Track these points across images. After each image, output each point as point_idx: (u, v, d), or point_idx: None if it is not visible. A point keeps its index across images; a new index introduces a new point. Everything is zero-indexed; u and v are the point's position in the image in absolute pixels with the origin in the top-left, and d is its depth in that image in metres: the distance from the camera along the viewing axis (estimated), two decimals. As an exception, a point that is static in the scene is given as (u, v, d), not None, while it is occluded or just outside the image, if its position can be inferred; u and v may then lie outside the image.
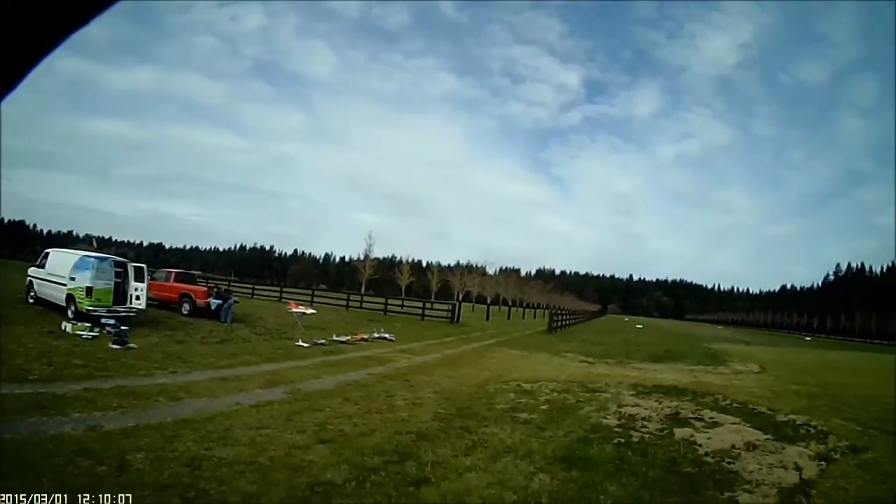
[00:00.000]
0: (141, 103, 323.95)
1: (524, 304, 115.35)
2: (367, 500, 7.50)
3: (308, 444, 9.74)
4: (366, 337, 28.74)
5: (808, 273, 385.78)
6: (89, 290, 22.06)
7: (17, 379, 12.42)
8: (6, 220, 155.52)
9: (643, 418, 13.82)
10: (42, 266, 25.19)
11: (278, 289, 57.79)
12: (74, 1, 1.57)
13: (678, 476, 9.51)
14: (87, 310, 21.72)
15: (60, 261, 24.21)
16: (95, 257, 23.73)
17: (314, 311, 31.60)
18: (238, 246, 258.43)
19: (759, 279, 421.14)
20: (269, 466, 8.39)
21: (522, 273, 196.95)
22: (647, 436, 12.20)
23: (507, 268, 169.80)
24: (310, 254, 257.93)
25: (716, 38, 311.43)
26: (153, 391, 12.78)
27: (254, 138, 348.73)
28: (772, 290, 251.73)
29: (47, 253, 25.87)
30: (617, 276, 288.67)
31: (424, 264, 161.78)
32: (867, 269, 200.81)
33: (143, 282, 24.14)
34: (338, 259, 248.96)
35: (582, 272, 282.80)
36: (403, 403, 14.09)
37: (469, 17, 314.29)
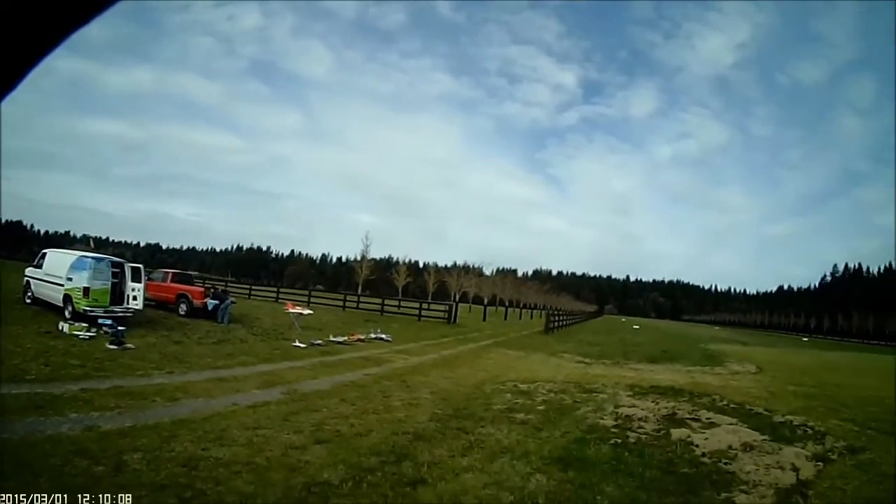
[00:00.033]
0: (138, 103, 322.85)
1: (521, 305, 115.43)
2: (363, 500, 7.50)
3: (305, 445, 9.74)
4: (362, 337, 28.73)
5: (805, 273, 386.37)
6: (86, 291, 22.05)
7: (14, 379, 12.43)
8: (4, 221, 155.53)
9: (640, 419, 13.83)
10: (39, 266, 25.17)
11: (275, 289, 57.62)
12: (74, 1, 1.58)
13: (675, 476, 9.51)
14: (84, 310, 21.73)
15: (57, 261, 24.20)
16: (92, 258, 23.75)
17: (311, 312, 31.71)
18: (235, 246, 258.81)
19: (756, 279, 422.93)
20: (265, 467, 8.39)
21: (519, 274, 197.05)
22: (644, 436, 12.21)
23: (503, 268, 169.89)
24: (306, 254, 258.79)
25: (713, 38, 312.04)
26: (150, 391, 12.79)
27: (251, 138, 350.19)
28: (769, 290, 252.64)
29: (44, 253, 25.88)
30: (614, 276, 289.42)
31: (421, 265, 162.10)
32: (864, 269, 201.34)
33: (139, 282, 24.13)
34: (334, 259, 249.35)
35: (579, 273, 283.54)
36: (400, 404, 14.09)
37: (466, 17, 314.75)
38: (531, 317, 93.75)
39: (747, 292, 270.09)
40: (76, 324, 20.27)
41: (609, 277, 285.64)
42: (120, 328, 19.23)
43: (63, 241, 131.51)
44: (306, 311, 30.36)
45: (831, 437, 12.99)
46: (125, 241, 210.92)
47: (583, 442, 11.36)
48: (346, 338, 27.35)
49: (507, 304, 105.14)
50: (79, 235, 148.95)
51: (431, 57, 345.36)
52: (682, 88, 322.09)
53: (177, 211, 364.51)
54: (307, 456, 9.11)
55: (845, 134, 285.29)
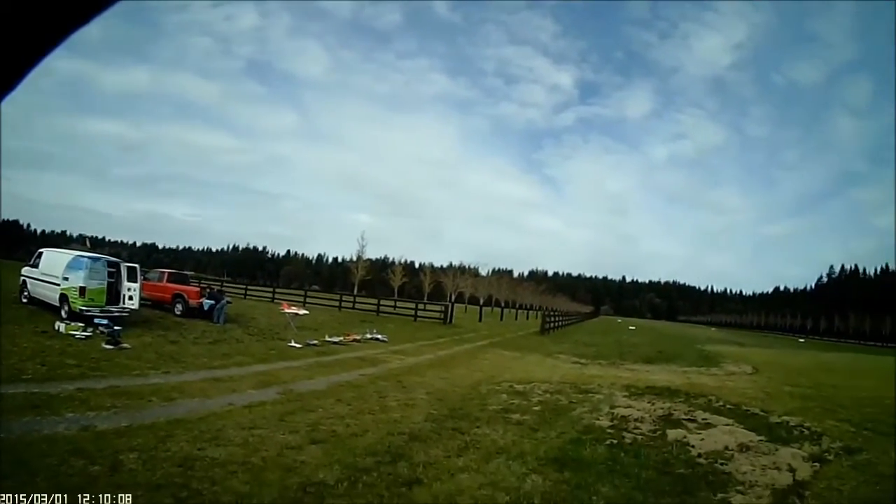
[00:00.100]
0: (136, 103, 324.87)
1: (517, 306, 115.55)
2: (359, 500, 7.50)
3: (300, 445, 9.74)
4: (358, 338, 28.75)
5: (801, 274, 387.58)
6: (82, 290, 22.04)
7: (10, 379, 12.41)
8: (1, 220, 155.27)
9: (636, 419, 13.84)
10: (35, 266, 25.16)
11: (271, 289, 57.60)
12: (74, 1, 1.59)
13: (671, 477, 9.52)
14: (80, 310, 21.71)
15: (54, 261, 24.20)
16: (89, 257, 23.75)
17: (307, 312, 31.72)
18: (231, 246, 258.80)
19: (752, 280, 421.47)
20: (261, 467, 8.39)
21: (515, 274, 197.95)
22: (640, 437, 12.21)
23: (499, 269, 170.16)
24: (302, 254, 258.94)
25: (709, 38, 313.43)
26: (146, 391, 12.79)
27: (248, 139, 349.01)
28: (765, 291, 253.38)
29: (41, 253, 25.85)
30: (610, 277, 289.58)
31: (417, 265, 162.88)
32: (861, 270, 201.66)
33: (135, 282, 24.17)
34: (330, 260, 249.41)
35: (575, 273, 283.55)
36: (396, 404, 14.10)
37: (462, 18, 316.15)
38: (527, 317, 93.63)
39: (743, 293, 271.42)
40: (72, 323, 20.23)
41: (605, 278, 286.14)
42: (116, 328, 19.19)
43: (60, 240, 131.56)
44: (302, 312, 30.36)
45: (828, 437, 13.00)
46: (121, 241, 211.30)
47: (579, 442, 11.37)
48: (341, 338, 27.34)
49: (502, 304, 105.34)
50: (75, 235, 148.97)
51: (428, 57, 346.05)
52: (678, 89, 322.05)
53: (174, 211, 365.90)
54: (303, 456, 9.11)
55: (842, 134, 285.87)
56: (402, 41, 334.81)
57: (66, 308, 22.12)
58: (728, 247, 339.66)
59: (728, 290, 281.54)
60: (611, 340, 50.84)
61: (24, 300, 25.33)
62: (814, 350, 67.75)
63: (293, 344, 23.54)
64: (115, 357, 16.62)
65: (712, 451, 11.27)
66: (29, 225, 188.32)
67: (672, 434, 12.47)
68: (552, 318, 59.30)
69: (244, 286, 56.85)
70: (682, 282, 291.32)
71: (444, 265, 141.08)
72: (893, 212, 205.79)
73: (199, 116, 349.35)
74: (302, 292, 54.84)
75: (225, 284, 50.64)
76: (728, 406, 16.32)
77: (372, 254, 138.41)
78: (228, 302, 30.78)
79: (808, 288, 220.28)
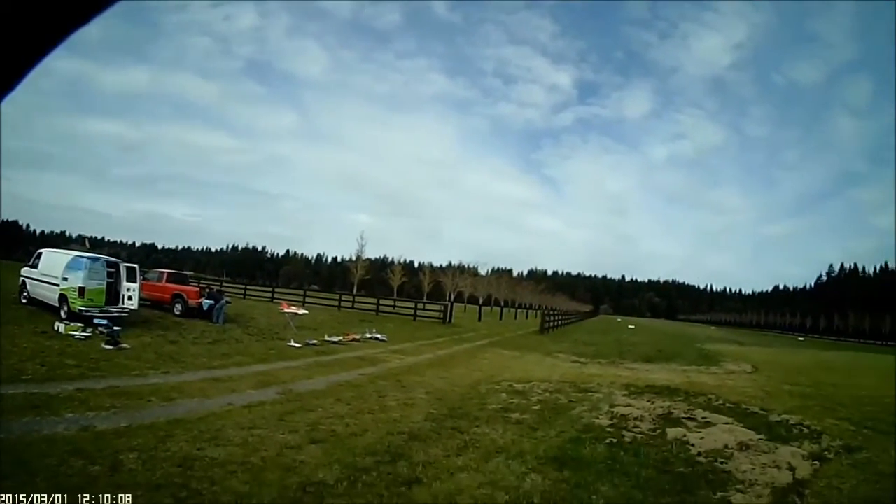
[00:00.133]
0: (135, 103, 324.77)
1: (516, 305, 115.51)
2: (358, 500, 7.51)
3: (300, 445, 9.74)
4: (358, 337, 28.75)
5: (801, 273, 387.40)
6: (82, 291, 22.06)
7: (10, 379, 12.41)
8: (1, 220, 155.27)
9: (635, 418, 13.83)
10: (35, 266, 25.19)
11: (270, 289, 57.60)
12: (74, 1, 1.59)
13: (670, 476, 9.51)
14: (79, 310, 21.72)
15: (53, 261, 24.22)
16: (88, 257, 23.76)
17: (306, 312, 31.75)
18: (230, 246, 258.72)
19: (752, 279, 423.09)
20: (260, 466, 8.40)
21: (514, 273, 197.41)
22: (640, 436, 12.20)
23: (498, 268, 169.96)
24: (302, 254, 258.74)
25: (709, 38, 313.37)
26: (146, 391, 12.79)
27: (247, 138, 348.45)
28: (765, 290, 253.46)
29: (40, 253, 25.89)
30: (609, 276, 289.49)
31: (416, 265, 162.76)
32: (860, 269, 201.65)
33: (135, 282, 24.19)
34: (330, 259, 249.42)
35: (574, 273, 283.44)
36: (395, 404, 14.11)
37: (461, 18, 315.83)
38: (526, 317, 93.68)
39: (743, 292, 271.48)
40: (72, 324, 20.23)
41: (604, 277, 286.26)
42: (115, 328, 19.20)
43: (59, 240, 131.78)
44: (301, 311, 30.39)
45: (827, 436, 12.99)
46: (121, 241, 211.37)
47: (578, 441, 11.36)
48: (341, 338, 27.34)
49: (502, 303, 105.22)
50: (75, 235, 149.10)
51: (427, 57, 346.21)
52: (678, 89, 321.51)
53: (173, 211, 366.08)
54: (302, 456, 9.11)
55: (841, 134, 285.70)
56: (401, 41, 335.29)
57: (66, 308, 22.13)
58: (728, 246, 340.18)
59: (728, 289, 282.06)
60: (610, 339, 50.84)
61: (24, 301, 25.35)
62: (813, 349, 67.62)
63: (292, 344, 23.55)
64: (115, 357, 16.62)
65: (712, 449, 11.26)
66: (28, 225, 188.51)
67: (672, 433, 12.47)
68: (551, 318, 59.29)
69: (243, 286, 56.88)
70: (681, 281, 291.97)
71: (444, 265, 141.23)
72: (893, 211, 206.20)
73: (199, 116, 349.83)
74: (301, 292, 54.87)
75: (224, 284, 50.62)
76: (728, 405, 16.31)
77: (371, 253, 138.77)
78: (228, 302, 30.79)
79: (808, 287, 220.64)
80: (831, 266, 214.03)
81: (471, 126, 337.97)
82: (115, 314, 22.43)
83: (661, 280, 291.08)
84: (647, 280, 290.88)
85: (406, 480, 8.34)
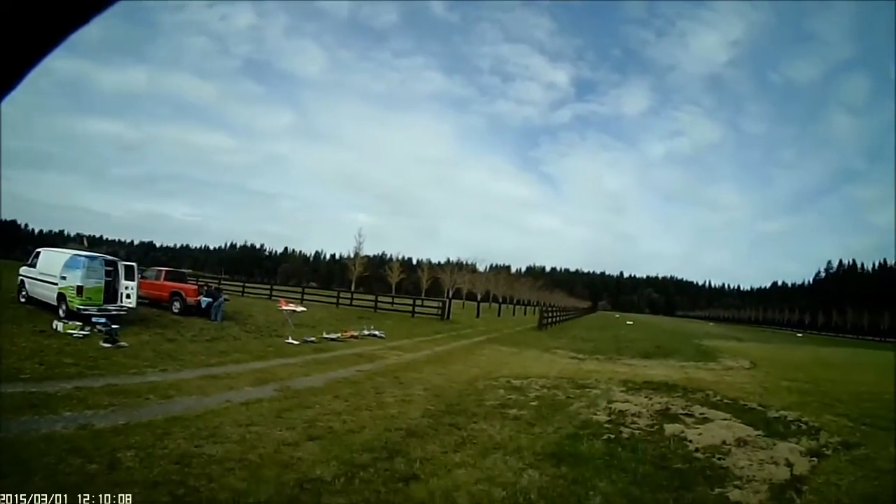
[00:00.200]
0: (134, 103, 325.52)
1: (514, 302, 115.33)
2: (355, 496, 7.51)
3: (297, 441, 9.75)
4: (356, 334, 28.78)
5: (799, 270, 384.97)
6: (80, 289, 22.06)
7: (9, 378, 12.39)
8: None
9: (633, 414, 13.86)
10: (33, 265, 25.19)
11: (268, 287, 57.39)
12: (74, 1, 1.59)
13: (668, 472, 9.52)
14: (77, 308, 21.72)
15: (51, 260, 24.21)
16: (86, 256, 23.76)
17: (304, 309, 31.62)
18: (228, 244, 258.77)
19: (750, 276, 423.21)
20: (258, 463, 8.40)
21: (513, 270, 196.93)
22: (637, 432, 12.22)
23: (497, 265, 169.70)
24: (300, 252, 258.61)
25: (706, 35, 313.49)
26: (144, 389, 12.78)
27: (245, 138, 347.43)
28: (763, 286, 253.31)
29: (38, 252, 25.87)
30: (607, 273, 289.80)
31: (415, 262, 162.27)
32: (859, 265, 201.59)
33: (133, 280, 24.19)
34: (328, 257, 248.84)
35: (572, 269, 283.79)
36: (393, 400, 14.12)
37: (458, 16, 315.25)
38: (525, 313, 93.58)
39: (741, 288, 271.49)
40: (70, 322, 20.23)
41: (603, 274, 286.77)
42: (113, 326, 19.23)
43: (57, 239, 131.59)
44: (300, 309, 30.30)
45: (826, 432, 13.05)
46: (119, 240, 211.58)
47: (576, 437, 11.38)
48: (339, 335, 27.35)
49: (500, 300, 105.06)
50: (73, 234, 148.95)
51: (424, 55, 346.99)
52: (675, 86, 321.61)
53: (172, 210, 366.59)
54: (300, 452, 9.12)
55: (838, 132, 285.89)
56: (398, 40, 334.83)
57: (64, 307, 22.13)
58: (726, 243, 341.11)
59: (726, 286, 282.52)
60: (608, 335, 50.96)
61: (23, 300, 25.35)
62: (812, 345, 67.84)
63: (290, 341, 23.59)
64: (113, 355, 16.61)
65: (710, 445, 11.29)
66: (27, 225, 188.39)
67: (669, 429, 12.50)
68: (550, 314, 59.47)
69: (242, 284, 56.80)
70: (679, 277, 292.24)
71: (442, 262, 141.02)
72: (892, 208, 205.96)
73: (197, 116, 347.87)
74: (299, 289, 55.09)
75: (222, 282, 50.49)
76: (726, 401, 16.37)
77: (369, 251, 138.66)
78: (226, 299, 30.78)
79: (807, 283, 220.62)
80: (829, 263, 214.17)
81: (468, 124, 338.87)
82: (114, 312, 22.43)
83: (660, 276, 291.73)
84: (645, 276, 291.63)
85: (403, 477, 8.34)
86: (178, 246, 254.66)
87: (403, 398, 14.47)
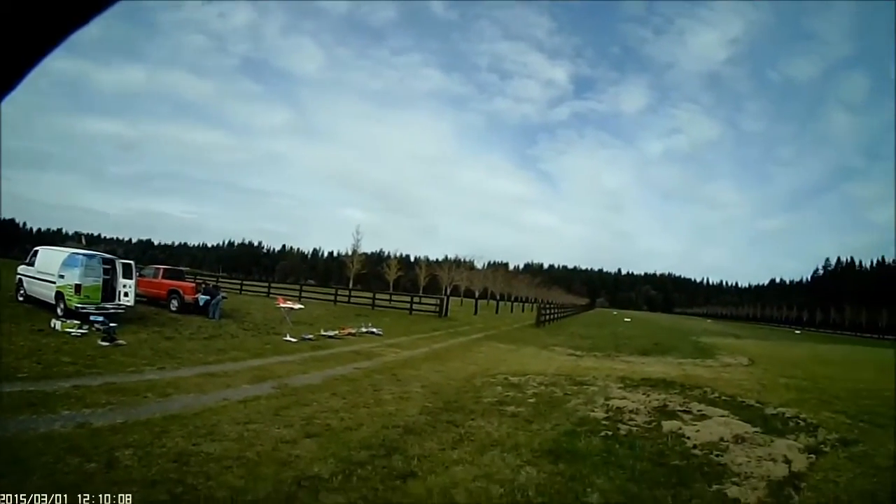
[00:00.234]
0: (131, 102, 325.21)
1: (512, 298, 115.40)
2: (353, 493, 7.51)
3: (295, 439, 9.75)
4: (353, 332, 28.82)
5: (797, 267, 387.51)
6: (78, 288, 22.06)
7: (7, 377, 12.38)
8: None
9: (631, 411, 13.87)
10: (31, 264, 25.16)
11: (266, 284, 57.52)
12: (74, 1, 1.59)
13: (666, 469, 9.52)
14: (75, 307, 21.72)
15: (49, 258, 24.19)
16: (84, 254, 23.71)
17: (302, 307, 31.72)
18: (226, 242, 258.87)
19: (748, 273, 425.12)
20: (256, 461, 8.40)
21: (510, 267, 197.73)
22: (635, 428, 12.23)
23: (495, 262, 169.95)
24: (298, 249, 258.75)
25: (705, 33, 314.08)
26: (142, 387, 12.79)
27: (242, 136, 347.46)
28: (761, 283, 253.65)
29: (36, 251, 25.85)
30: (606, 269, 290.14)
31: (412, 259, 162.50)
32: (857, 263, 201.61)
33: (131, 278, 24.20)
34: (326, 254, 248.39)
35: (570, 266, 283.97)
36: (391, 397, 14.13)
37: (456, 13, 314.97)
38: (522, 310, 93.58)
39: (739, 285, 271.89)
40: (68, 321, 20.22)
41: (601, 271, 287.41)
42: (111, 325, 19.22)
43: (55, 238, 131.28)
44: (297, 306, 30.34)
45: (824, 429, 13.04)
46: (117, 238, 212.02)
47: (573, 434, 11.37)
48: (336, 332, 27.38)
49: (498, 297, 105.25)
50: (71, 233, 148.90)
51: (422, 53, 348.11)
52: (673, 84, 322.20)
53: (170, 208, 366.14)
54: (297, 450, 9.12)
55: (837, 130, 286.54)
56: (396, 37, 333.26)
57: (62, 306, 22.14)
58: (723, 240, 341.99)
59: (724, 283, 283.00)
60: (606, 332, 50.97)
61: (21, 298, 25.32)
62: (810, 342, 67.93)
63: (288, 338, 23.63)
64: (111, 354, 16.61)
65: (707, 442, 11.29)
66: (25, 223, 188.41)
67: (667, 425, 12.50)
68: (548, 311, 59.36)
69: (240, 281, 56.57)
70: (677, 274, 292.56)
71: (440, 259, 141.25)
72: (890, 206, 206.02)
73: (195, 115, 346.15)
74: (297, 287, 55.21)
75: (220, 280, 50.77)
76: (723, 397, 16.38)
77: (367, 248, 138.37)
78: (224, 297, 30.82)
79: (805, 280, 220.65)
80: (828, 260, 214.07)
81: (466, 122, 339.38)
82: (112, 311, 22.45)
83: (658, 273, 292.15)
84: (643, 273, 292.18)
85: (401, 474, 8.34)
86: (177, 244, 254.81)
87: (401, 395, 14.47)
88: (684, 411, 14.14)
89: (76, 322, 20.10)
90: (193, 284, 31.46)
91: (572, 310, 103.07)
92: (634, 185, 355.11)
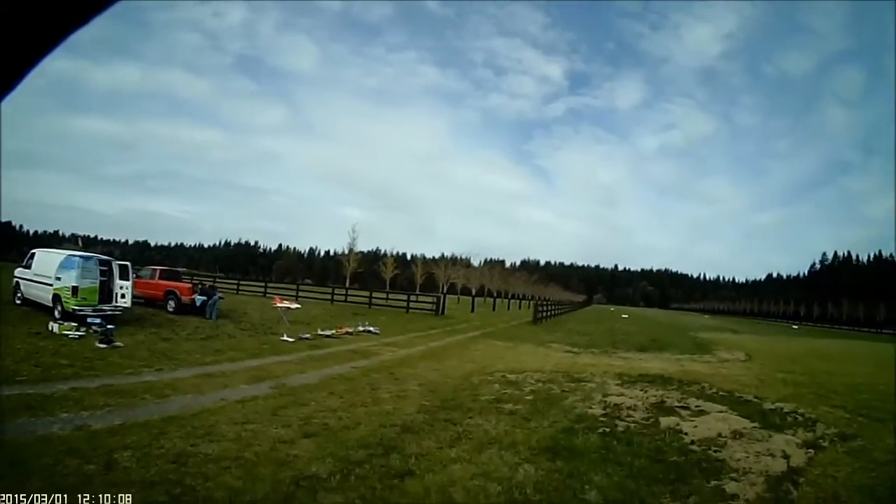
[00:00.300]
0: (126, 101, 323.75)
1: (509, 296, 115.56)
2: (351, 493, 7.52)
3: (293, 439, 9.77)
4: (350, 331, 28.85)
5: (793, 262, 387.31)
6: (75, 290, 22.08)
7: (5, 380, 12.42)
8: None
9: (628, 407, 13.88)
10: (28, 267, 25.15)
11: (263, 284, 57.28)
12: (74, 1, 1.60)
13: (664, 465, 9.54)
14: (73, 309, 21.74)
15: (46, 261, 24.20)
16: (80, 256, 23.76)
17: (299, 306, 31.76)
18: (223, 242, 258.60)
19: (744, 268, 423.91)
20: (254, 461, 8.41)
21: (507, 264, 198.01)
22: (633, 425, 12.24)
23: (491, 259, 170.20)
24: (294, 248, 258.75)
25: (700, 28, 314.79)
26: (140, 389, 12.79)
27: (238, 134, 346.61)
28: (758, 278, 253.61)
29: (33, 253, 25.86)
30: (602, 266, 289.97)
31: (409, 257, 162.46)
32: (854, 257, 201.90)
33: (128, 280, 24.20)
34: (322, 253, 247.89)
35: (567, 263, 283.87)
36: (388, 396, 14.14)
37: (451, 10, 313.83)
38: (519, 307, 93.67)
39: (736, 280, 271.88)
40: (66, 323, 20.23)
41: (597, 267, 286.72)
42: (109, 326, 19.21)
43: (52, 240, 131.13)
44: (294, 306, 30.36)
45: (822, 424, 13.08)
46: (114, 240, 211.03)
47: (571, 431, 11.39)
48: (334, 331, 27.43)
49: (495, 294, 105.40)
50: (68, 235, 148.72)
51: (417, 50, 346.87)
52: (668, 79, 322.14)
53: (166, 208, 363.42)
54: (295, 450, 9.13)
55: (832, 124, 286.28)
56: (391, 34, 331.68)
57: (60, 308, 22.15)
58: (719, 235, 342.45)
59: (721, 278, 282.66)
60: (603, 329, 50.98)
61: (18, 301, 25.32)
62: (807, 337, 67.81)
63: (285, 338, 23.66)
64: (109, 356, 16.61)
65: (705, 438, 11.32)
66: (21, 226, 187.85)
67: (665, 422, 12.52)
68: (544, 308, 59.37)
69: (236, 281, 56.56)
70: (674, 270, 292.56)
71: (436, 257, 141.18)
72: (886, 199, 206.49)
73: (190, 113, 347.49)
74: (294, 286, 54.99)
75: (217, 280, 50.69)
76: (721, 393, 16.41)
77: (363, 246, 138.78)
78: (221, 297, 30.78)
79: (802, 275, 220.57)
80: (824, 254, 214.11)
81: (462, 118, 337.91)
82: (109, 312, 22.46)
83: (655, 269, 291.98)
84: (640, 269, 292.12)
85: (399, 473, 8.35)
86: (173, 245, 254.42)
87: (398, 394, 14.49)
88: (682, 407, 14.16)
89: (73, 324, 20.14)
90: (190, 285, 31.47)
91: (569, 306, 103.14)
92: (630, 180, 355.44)
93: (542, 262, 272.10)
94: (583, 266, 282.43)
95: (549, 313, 60.17)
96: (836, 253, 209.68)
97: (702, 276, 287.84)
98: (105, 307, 22.82)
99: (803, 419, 13.48)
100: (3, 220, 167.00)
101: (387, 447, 9.60)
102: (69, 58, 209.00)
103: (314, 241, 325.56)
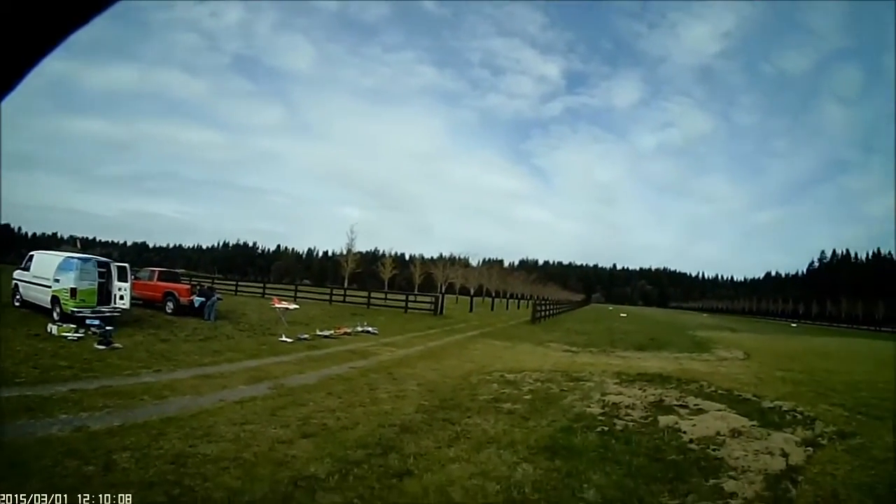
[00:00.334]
0: (123, 102, 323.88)
1: (507, 295, 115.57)
2: (350, 493, 7.52)
3: (291, 439, 9.77)
4: (349, 331, 28.84)
5: (792, 260, 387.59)
6: (73, 292, 22.07)
7: (4, 382, 12.41)
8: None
9: (627, 406, 13.89)
10: (27, 269, 25.12)
11: (261, 285, 57.28)
12: (74, 1, 1.61)
13: (662, 463, 9.54)
14: (71, 311, 21.74)
15: (45, 263, 24.17)
16: (79, 258, 23.75)
17: (297, 307, 31.69)
18: (221, 243, 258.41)
19: (743, 267, 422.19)
20: (252, 462, 8.41)
21: (505, 264, 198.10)
22: (631, 424, 12.25)
23: (489, 259, 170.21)
24: (293, 249, 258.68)
25: (698, 27, 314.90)
26: (138, 390, 12.79)
27: (235, 135, 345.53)
28: (756, 277, 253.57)
29: (32, 255, 25.84)
30: (601, 265, 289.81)
31: (407, 257, 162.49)
32: (853, 255, 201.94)
33: (126, 281, 24.19)
34: (320, 254, 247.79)
35: (565, 262, 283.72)
36: (387, 396, 14.14)
37: (449, 10, 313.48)
38: (518, 307, 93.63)
39: (735, 279, 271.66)
40: (64, 325, 20.25)
41: (596, 266, 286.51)
42: (108, 328, 19.20)
43: (50, 242, 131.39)
44: (293, 306, 30.32)
45: (821, 422, 13.09)
46: (112, 241, 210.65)
47: (569, 430, 11.39)
48: (332, 332, 27.43)
49: (493, 294, 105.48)
50: (66, 237, 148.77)
51: (414, 50, 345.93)
52: (666, 78, 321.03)
53: (164, 209, 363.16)
54: (294, 450, 9.14)
55: (830, 122, 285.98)
56: (388, 34, 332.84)
57: (58, 310, 22.13)
58: (718, 234, 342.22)
59: (719, 277, 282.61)
60: (602, 328, 51.01)
61: (17, 303, 25.29)
62: (806, 335, 67.82)
63: (284, 339, 23.66)
64: (107, 357, 16.62)
65: (704, 436, 11.32)
66: (20, 228, 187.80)
67: (663, 420, 12.53)
68: (543, 307, 59.36)
69: (235, 282, 56.65)
70: (672, 269, 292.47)
71: (434, 257, 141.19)
72: (885, 198, 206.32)
73: (187, 114, 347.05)
74: (293, 287, 55.08)
75: (215, 281, 50.59)
76: (720, 391, 16.43)
77: (362, 247, 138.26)
78: (219, 298, 30.80)
79: (800, 273, 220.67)
80: (823, 252, 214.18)
81: (459, 118, 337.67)
82: (107, 314, 22.49)
83: (653, 268, 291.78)
84: (638, 268, 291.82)
85: (397, 472, 8.36)
86: (171, 246, 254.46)
87: (397, 394, 14.49)
88: (681, 406, 14.17)
89: (72, 326, 20.15)
90: (188, 286, 31.54)
91: (568, 306, 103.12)
92: (628, 179, 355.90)
93: (541, 262, 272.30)
94: (581, 265, 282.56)
95: (547, 313, 60.17)
96: (834, 251, 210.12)
97: (700, 275, 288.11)
98: (103, 309, 22.83)
99: (802, 417, 13.49)
100: (2, 222, 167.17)
101: (385, 447, 9.60)
102: (65, 58, 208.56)
103: (312, 241, 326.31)
